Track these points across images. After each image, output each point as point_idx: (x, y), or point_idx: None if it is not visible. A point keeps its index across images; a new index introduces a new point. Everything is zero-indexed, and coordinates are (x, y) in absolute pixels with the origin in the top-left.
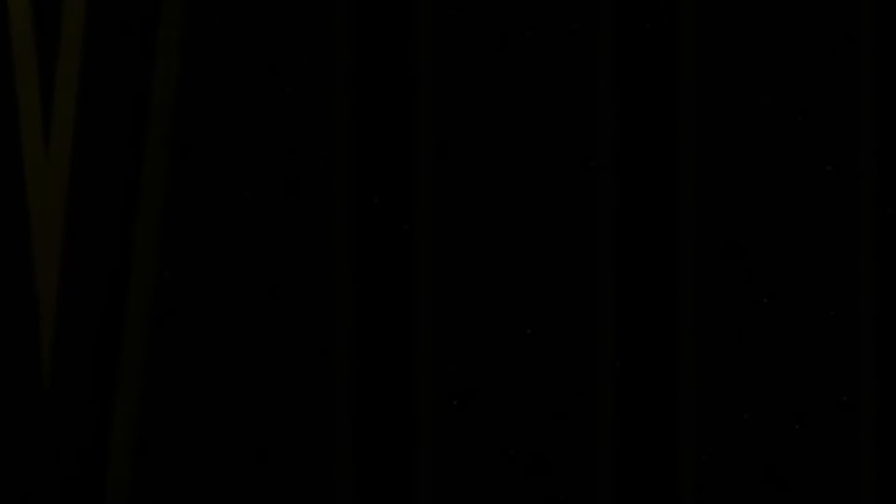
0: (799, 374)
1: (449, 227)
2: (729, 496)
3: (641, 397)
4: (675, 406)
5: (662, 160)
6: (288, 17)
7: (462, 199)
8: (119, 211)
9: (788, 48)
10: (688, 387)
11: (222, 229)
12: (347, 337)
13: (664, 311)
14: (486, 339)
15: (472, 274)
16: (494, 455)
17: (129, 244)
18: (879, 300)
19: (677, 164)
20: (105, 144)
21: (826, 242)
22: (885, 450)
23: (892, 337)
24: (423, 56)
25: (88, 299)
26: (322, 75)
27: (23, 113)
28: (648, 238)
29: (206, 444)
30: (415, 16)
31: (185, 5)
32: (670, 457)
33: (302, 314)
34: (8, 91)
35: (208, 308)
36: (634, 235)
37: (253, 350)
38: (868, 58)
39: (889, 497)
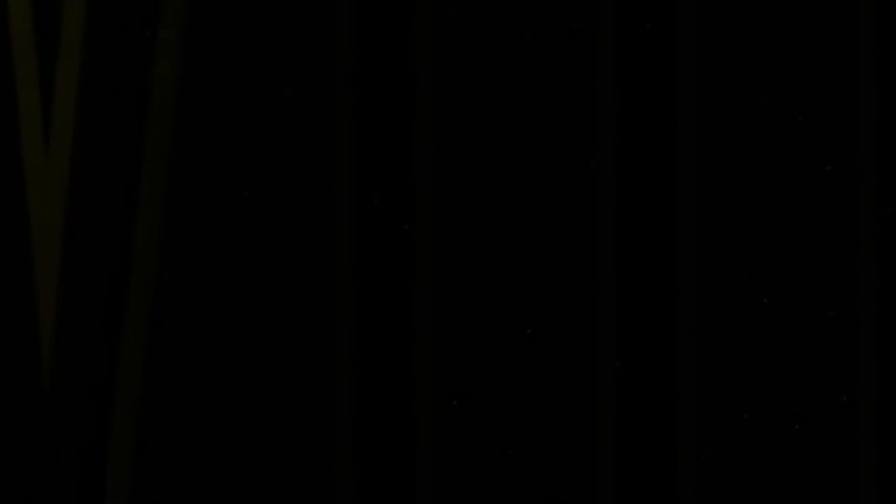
0: (799, 374)
1: (449, 227)
2: (729, 496)
3: (641, 397)
4: (675, 406)
5: (662, 160)
6: (288, 17)
7: (462, 199)
8: (119, 211)
9: (788, 48)
10: (688, 387)
11: (222, 229)
12: (347, 337)
13: (664, 311)
14: (486, 339)
15: (472, 274)
16: (494, 455)
17: (129, 244)
18: (879, 300)
19: (677, 165)
20: (105, 144)
21: (826, 242)
22: (885, 450)
23: (892, 337)
24: (423, 56)
25: (88, 299)
26: (322, 75)
27: (23, 113)
28: (648, 238)
29: (206, 444)
30: (415, 16)
31: (185, 5)
32: (670, 457)
33: (302, 314)
34: (8, 91)
35: (208, 308)
36: (634, 235)
37: (253, 350)
38: (868, 58)
39: (889, 497)
